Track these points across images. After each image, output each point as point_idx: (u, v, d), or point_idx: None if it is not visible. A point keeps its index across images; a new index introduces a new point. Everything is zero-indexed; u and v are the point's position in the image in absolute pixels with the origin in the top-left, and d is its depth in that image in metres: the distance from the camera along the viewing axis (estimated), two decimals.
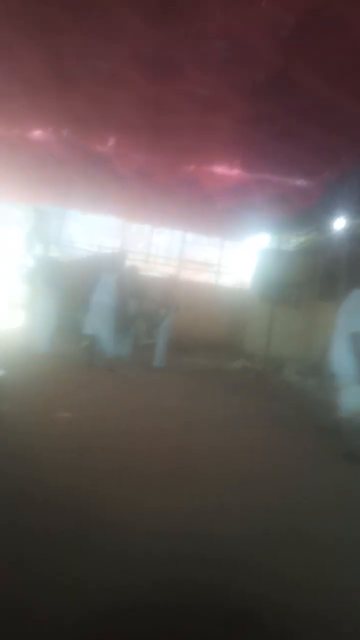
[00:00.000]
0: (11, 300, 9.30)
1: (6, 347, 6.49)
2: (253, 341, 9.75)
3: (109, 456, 3.42)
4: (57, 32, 3.69)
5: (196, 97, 4.54)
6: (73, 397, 5.00)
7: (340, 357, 4.08)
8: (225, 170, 6.87)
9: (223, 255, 12.44)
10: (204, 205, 8.08)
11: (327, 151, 5.31)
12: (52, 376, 5.76)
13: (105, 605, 1.82)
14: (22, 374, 5.14)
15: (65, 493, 2.70)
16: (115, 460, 3.37)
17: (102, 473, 3.10)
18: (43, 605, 1.76)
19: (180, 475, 3.26)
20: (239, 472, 3.52)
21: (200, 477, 3.30)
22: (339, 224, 8.07)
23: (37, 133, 6.16)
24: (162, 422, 4.56)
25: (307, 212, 7.55)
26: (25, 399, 4.40)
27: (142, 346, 7.90)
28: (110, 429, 4.09)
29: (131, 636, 1.71)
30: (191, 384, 6.76)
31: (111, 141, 6.26)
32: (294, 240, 10.48)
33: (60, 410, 4.31)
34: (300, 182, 6.46)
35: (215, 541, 2.45)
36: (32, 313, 7.55)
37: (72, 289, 7.47)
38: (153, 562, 2.17)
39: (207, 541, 2.44)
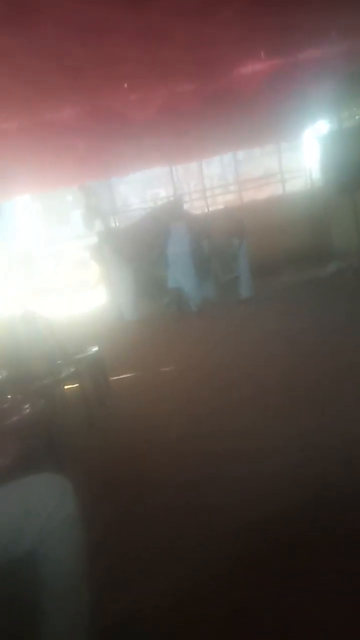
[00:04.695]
0: (88, 281, 9.72)
1: (94, 324, 6.83)
2: (342, 239, 8.93)
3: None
4: None
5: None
6: (172, 352, 5.10)
7: None
8: (251, 68, 6.17)
9: (283, 160, 11.35)
10: (243, 113, 7.37)
11: None
12: (144, 338, 5.93)
13: None
14: (115, 345, 5.37)
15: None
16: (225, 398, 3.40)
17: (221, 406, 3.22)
18: None
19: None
20: None
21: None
22: None
23: (50, 116, 6.05)
24: (268, 352, 4.44)
25: (356, 74, 6.47)
26: (123, 365, 4.59)
27: (225, 282, 7.73)
28: (214, 374, 4.10)
29: None
30: (284, 305, 6.44)
31: (124, 92, 5.94)
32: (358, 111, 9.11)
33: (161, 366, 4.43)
34: (333, 44, 5.51)
35: None
36: (110, 286, 7.81)
37: (143, 249, 7.54)
38: None
39: None
